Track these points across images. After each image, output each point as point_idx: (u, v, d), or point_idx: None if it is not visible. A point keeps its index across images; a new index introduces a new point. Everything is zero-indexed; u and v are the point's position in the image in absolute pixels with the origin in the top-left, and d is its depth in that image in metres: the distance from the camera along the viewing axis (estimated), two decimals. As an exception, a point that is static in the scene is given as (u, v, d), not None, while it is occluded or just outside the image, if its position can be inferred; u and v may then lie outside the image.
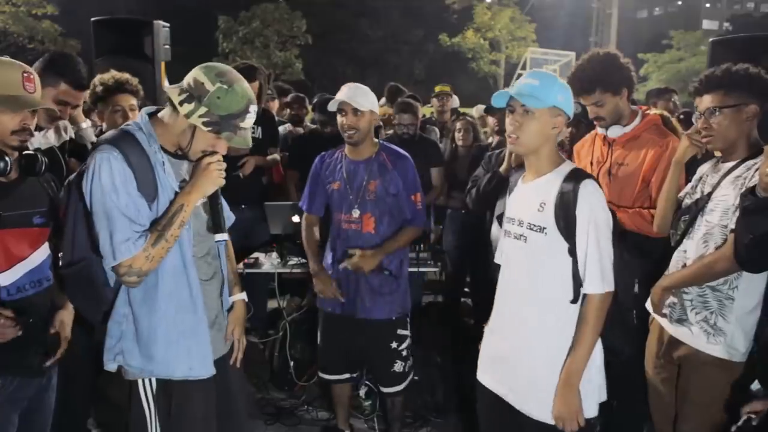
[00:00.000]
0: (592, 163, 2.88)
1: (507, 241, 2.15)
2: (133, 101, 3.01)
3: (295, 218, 3.69)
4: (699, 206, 2.30)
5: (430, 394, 3.68)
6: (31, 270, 2.00)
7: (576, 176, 1.97)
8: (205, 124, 1.85)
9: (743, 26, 26.96)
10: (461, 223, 4.55)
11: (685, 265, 2.31)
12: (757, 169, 2.10)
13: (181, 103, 1.84)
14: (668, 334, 2.38)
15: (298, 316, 3.92)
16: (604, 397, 2.05)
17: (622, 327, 2.07)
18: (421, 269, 3.88)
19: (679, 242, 2.37)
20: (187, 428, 2.00)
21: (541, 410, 2.00)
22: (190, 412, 2.00)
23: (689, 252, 2.31)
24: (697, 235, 2.29)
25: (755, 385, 2.08)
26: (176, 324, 1.94)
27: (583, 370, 1.95)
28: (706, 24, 42.28)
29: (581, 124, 3.94)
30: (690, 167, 2.46)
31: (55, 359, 2.12)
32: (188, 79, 1.88)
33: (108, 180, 1.80)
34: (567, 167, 2.03)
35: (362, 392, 3.62)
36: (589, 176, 1.99)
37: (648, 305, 2.49)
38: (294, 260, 3.75)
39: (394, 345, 3.07)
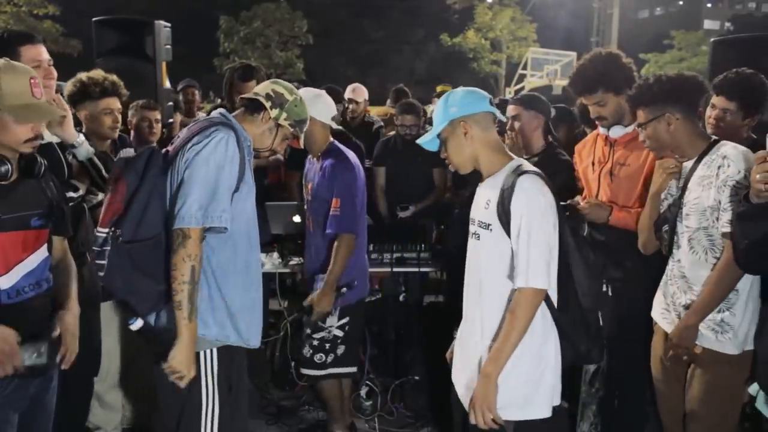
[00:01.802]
0: (593, 163, 2.88)
1: (468, 242, 2.19)
2: (119, 105, 3.00)
3: (296, 218, 3.69)
4: (674, 213, 2.34)
5: (430, 394, 3.68)
6: (29, 272, 1.99)
7: (517, 171, 2.00)
8: (290, 125, 2.26)
9: (745, 26, 26.93)
10: (467, 221, 4.54)
11: (684, 276, 2.32)
12: (719, 167, 2.18)
13: (271, 108, 2.20)
14: None
15: (299, 316, 3.91)
16: (557, 401, 2.04)
17: (585, 329, 2.06)
18: (422, 269, 3.88)
19: (669, 252, 2.39)
20: (240, 398, 2.22)
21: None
22: (242, 382, 2.25)
23: (683, 261, 2.33)
24: (683, 243, 2.32)
25: (754, 387, 2.08)
26: (244, 298, 2.16)
27: (502, 364, 1.93)
28: (708, 24, 42.23)
29: (566, 125, 3.95)
30: None
31: (64, 357, 2.10)
32: (266, 90, 2.24)
33: (223, 156, 2.01)
34: (514, 164, 2.06)
35: (363, 392, 3.63)
36: (531, 171, 2.00)
37: (652, 312, 2.49)
38: (295, 260, 3.74)
39: (308, 330, 3.13)
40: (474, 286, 2.13)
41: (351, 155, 3.10)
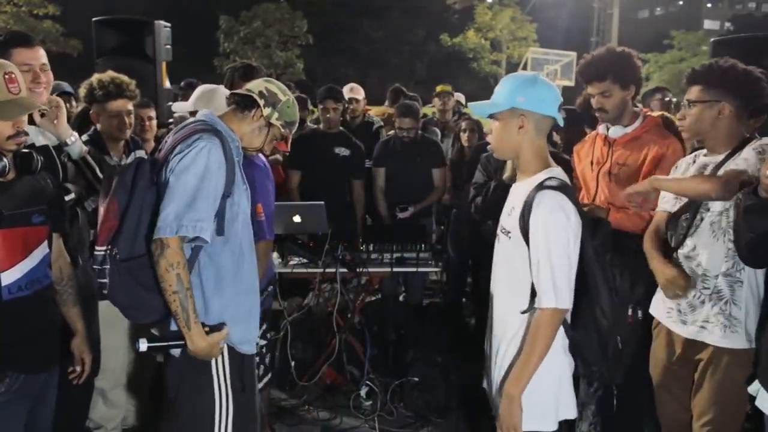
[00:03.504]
0: (592, 163, 2.88)
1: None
2: (130, 106, 3.00)
3: (296, 218, 3.69)
4: (697, 204, 2.32)
5: (430, 394, 3.68)
6: (31, 269, 2.01)
7: (541, 185, 1.90)
8: (281, 126, 2.21)
9: (745, 26, 26.96)
10: (466, 222, 4.55)
11: (699, 264, 2.30)
12: (761, 152, 2.16)
13: (264, 106, 2.15)
14: (681, 338, 2.37)
15: (299, 316, 3.92)
16: (568, 415, 1.99)
17: (601, 350, 1.96)
18: (422, 269, 3.89)
19: (681, 242, 2.37)
20: (253, 398, 2.23)
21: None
22: (254, 382, 2.27)
23: (699, 247, 2.31)
24: (703, 228, 2.29)
25: (754, 386, 2.08)
26: (241, 304, 2.14)
27: (525, 383, 1.89)
28: (708, 24, 42.27)
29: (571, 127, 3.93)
30: None
31: (82, 372, 2.28)
32: (260, 88, 2.17)
33: (205, 165, 1.96)
34: (546, 174, 1.95)
35: (363, 392, 3.63)
36: (553, 186, 1.89)
37: (653, 310, 2.49)
38: (295, 260, 3.74)
39: None
40: (493, 288, 2.10)
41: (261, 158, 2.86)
